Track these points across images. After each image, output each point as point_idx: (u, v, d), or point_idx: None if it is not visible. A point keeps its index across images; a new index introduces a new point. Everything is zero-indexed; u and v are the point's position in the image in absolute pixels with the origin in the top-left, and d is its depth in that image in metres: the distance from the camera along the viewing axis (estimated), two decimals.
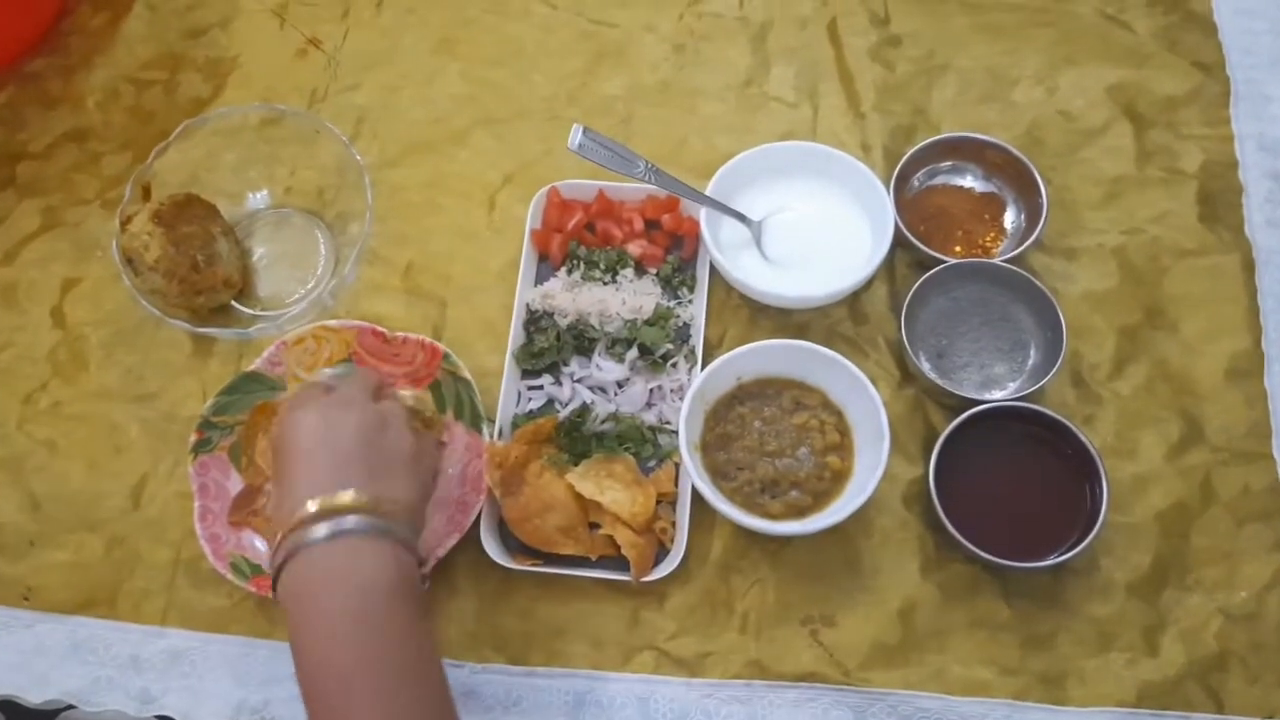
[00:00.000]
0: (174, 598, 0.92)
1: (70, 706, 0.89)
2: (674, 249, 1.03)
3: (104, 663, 0.90)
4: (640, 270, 1.01)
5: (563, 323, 0.98)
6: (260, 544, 0.91)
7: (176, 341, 1.02)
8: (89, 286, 1.05)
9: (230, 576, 0.88)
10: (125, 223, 0.99)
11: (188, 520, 0.91)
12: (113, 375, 1.01)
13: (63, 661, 0.90)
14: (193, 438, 0.93)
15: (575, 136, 0.90)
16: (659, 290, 1.00)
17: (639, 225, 1.02)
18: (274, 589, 0.71)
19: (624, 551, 0.87)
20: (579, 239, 1.02)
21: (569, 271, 1.01)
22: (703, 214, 0.97)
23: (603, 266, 1.00)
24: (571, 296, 0.99)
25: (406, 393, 0.87)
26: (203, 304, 1.01)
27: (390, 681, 0.67)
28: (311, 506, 0.70)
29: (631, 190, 1.03)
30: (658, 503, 0.91)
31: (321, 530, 0.69)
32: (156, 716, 0.88)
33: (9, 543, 0.95)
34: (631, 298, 0.98)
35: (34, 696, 0.89)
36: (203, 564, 0.91)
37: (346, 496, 0.70)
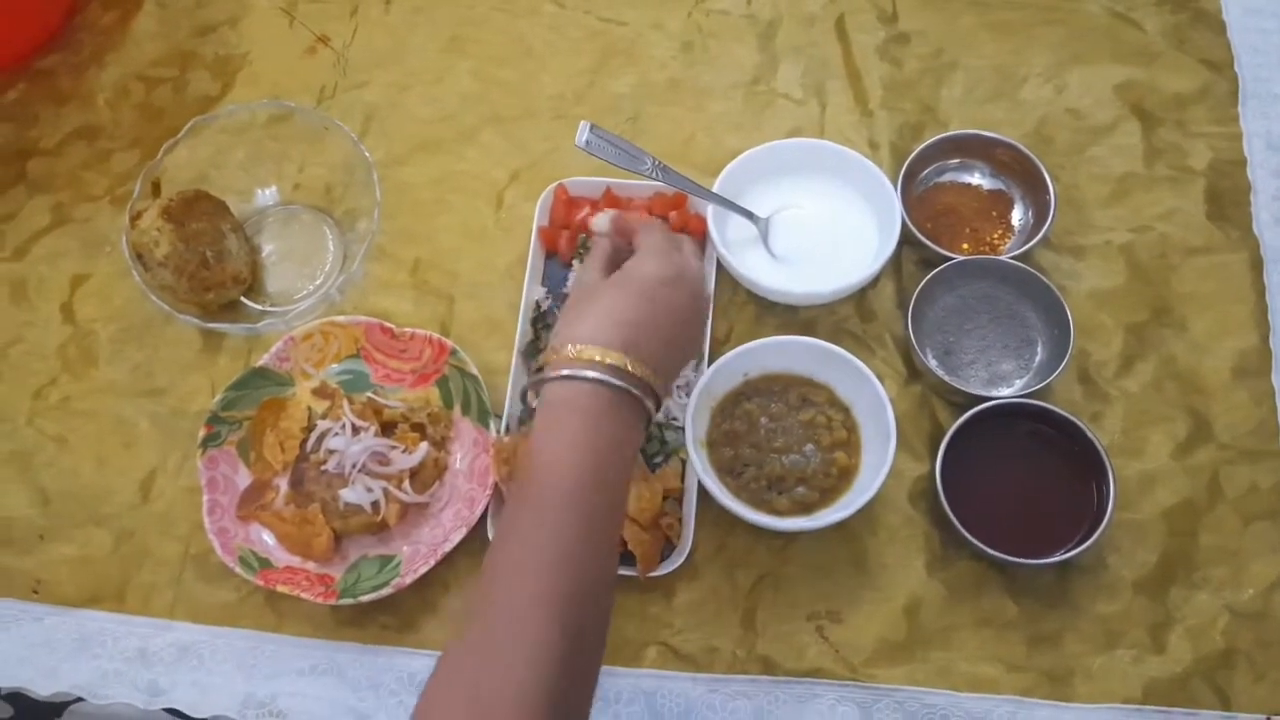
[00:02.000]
0: (182, 591, 0.92)
1: (79, 699, 0.90)
2: None
3: (112, 656, 0.91)
4: None
5: None
6: (269, 538, 0.92)
7: (185, 337, 1.02)
8: (98, 282, 1.06)
9: (239, 570, 0.89)
10: (135, 219, 1.00)
11: (196, 514, 0.91)
12: (122, 370, 1.02)
13: (71, 654, 0.91)
14: (201, 432, 0.94)
15: (583, 133, 0.90)
16: None
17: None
18: (535, 387, 0.74)
19: (630, 547, 0.87)
20: (586, 233, 1.02)
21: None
22: (709, 211, 0.97)
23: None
24: None
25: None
26: (212, 300, 1.01)
27: (580, 493, 0.69)
28: (598, 353, 0.72)
29: (639, 187, 1.03)
30: (664, 499, 0.91)
31: (609, 378, 0.71)
32: (164, 709, 0.89)
33: (19, 536, 0.95)
34: None
35: (43, 689, 0.90)
36: (211, 558, 0.91)
37: (632, 365, 0.72)
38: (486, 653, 0.64)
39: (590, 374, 0.71)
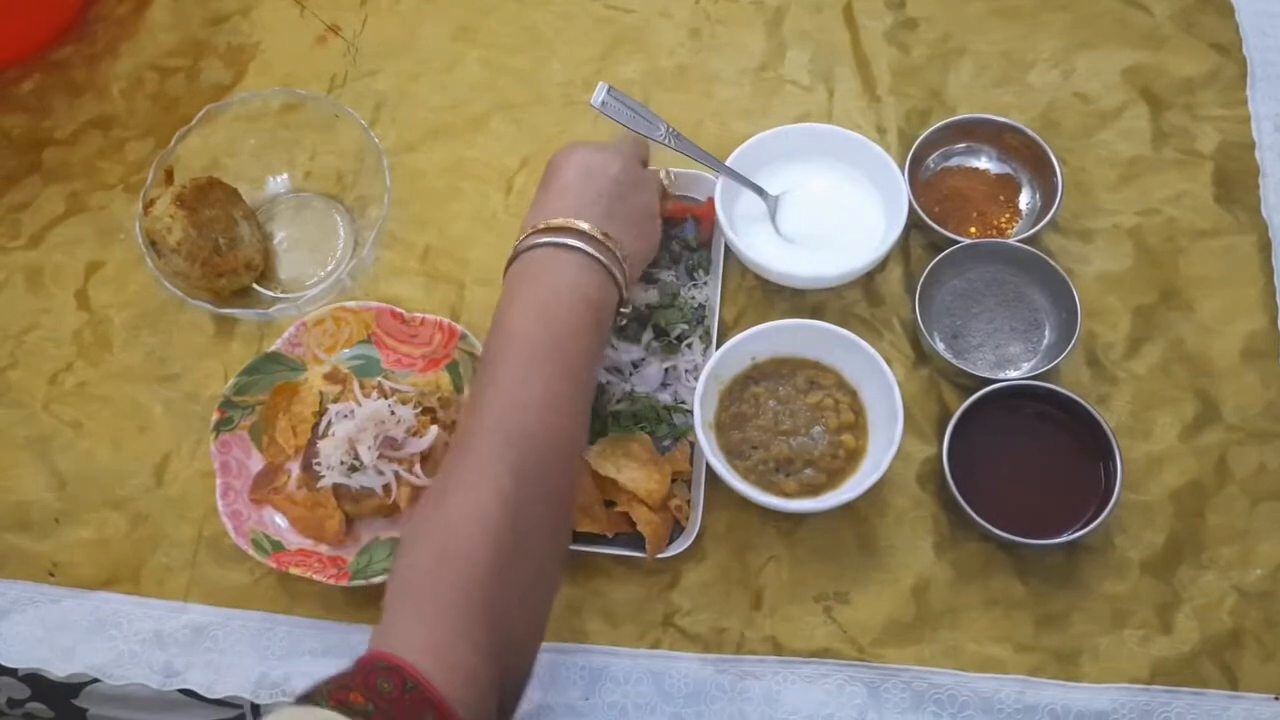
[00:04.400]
0: (196, 574, 0.93)
1: (95, 680, 0.91)
2: (679, 232, 1.03)
3: (127, 637, 0.92)
4: None
5: None
6: (281, 521, 0.93)
7: (198, 323, 1.04)
8: (113, 270, 1.07)
9: (252, 553, 0.89)
10: (148, 207, 1.00)
11: (210, 498, 0.92)
12: (136, 356, 1.03)
13: (87, 636, 0.92)
14: (215, 417, 0.94)
15: (599, 94, 0.91)
16: (660, 281, 1.00)
17: None
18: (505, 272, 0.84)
19: (640, 529, 0.88)
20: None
21: None
22: (718, 188, 0.98)
23: None
24: None
25: (662, 172, 0.98)
26: (224, 286, 1.02)
27: (543, 349, 0.78)
28: (544, 222, 0.83)
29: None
30: (673, 481, 0.91)
31: (547, 240, 0.82)
32: (179, 690, 0.90)
33: (35, 520, 0.96)
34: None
35: (59, 670, 0.91)
36: (225, 541, 0.92)
37: (583, 224, 0.83)
38: (447, 471, 0.74)
39: (543, 239, 0.82)
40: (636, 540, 0.89)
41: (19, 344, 1.04)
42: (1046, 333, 0.95)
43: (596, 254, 0.82)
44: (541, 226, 0.83)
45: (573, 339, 0.79)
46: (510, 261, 0.84)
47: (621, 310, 0.86)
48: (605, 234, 0.83)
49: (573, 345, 0.79)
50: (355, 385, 0.95)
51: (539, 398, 0.75)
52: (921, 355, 0.97)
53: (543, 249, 0.82)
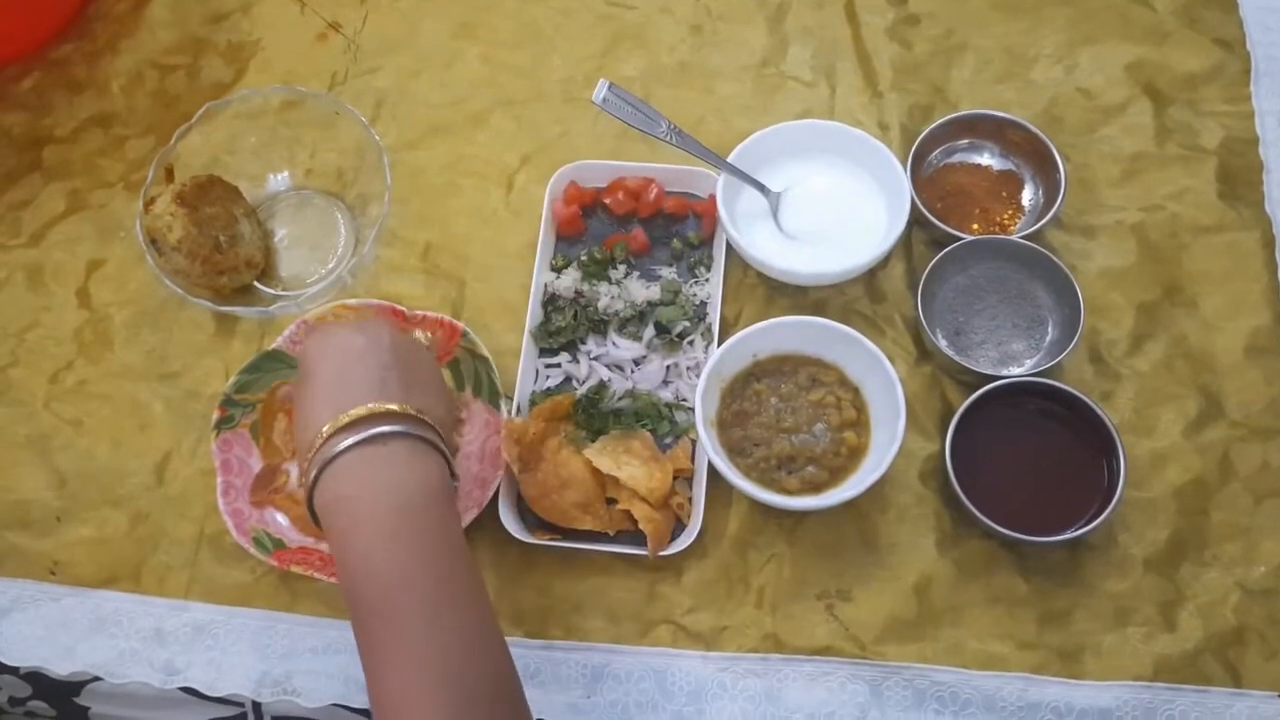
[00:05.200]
0: (197, 572, 0.93)
1: (96, 678, 0.91)
2: (680, 229, 1.03)
3: (129, 636, 0.92)
4: (632, 264, 1.02)
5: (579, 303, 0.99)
6: (282, 519, 0.92)
7: (199, 321, 1.03)
8: (113, 267, 1.07)
9: (253, 551, 0.89)
10: (149, 204, 1.00)
11: (210, 496, 0.92)
12: (137, 354, 1.03)
13: (88, 635, 0.92)
14: (215, 415, 0.94)
15: (600, 90, 0.90)
16: (661, 278, 1.00)
17: (655, 194, 1.03)
18: (309, 506, 0.71)
19: (641, 526, 0.88)
20: (603, 203, 1.04)
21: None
22: (720, 184, 0.97)
23: (591, 267, 1.01)
24: (579, 291, 1.00)
25: (420, 334, 0.90)
26: (225, 284, 1.02)
27: (434, 585, 0.67)
28: (347, 416, 0.70)
29: (646, 170, 1.04)
30: (674, 479, 0.91)
31: (360, 435, 0.69)
32: (180, 688, 0.90)
33: (36, 518, 0.96)
34: (627, 294, 0.99)
35: (60, 669, 0.91)
36: (225, 539, 0.92)
37: (387, 405, 0.71)
38: None
39: (348, 439, 0.69)
40: (638, 538, 0.89)
41: (20, 342, 1.04)
42: (1049, 329, 0.95)
43: (420, 434, 0.71)
44: (344, 423, 0.69)
45: (448, 553, 0.69)
46: (312, 480, 0.70)
47: (455, 483, 0.75)
48: (417, 410, 0.72)
49: (450, 561, 0.69)
50: None
51: (455, 642, 0.66)
52: (924, 352, 0.96)
53: (354, 452, 0.69)
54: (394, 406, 0.71)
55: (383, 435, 0.70)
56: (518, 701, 0.69)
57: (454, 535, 0.71)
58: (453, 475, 0.74)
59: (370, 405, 0.70)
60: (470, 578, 0.70)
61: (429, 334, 0.91)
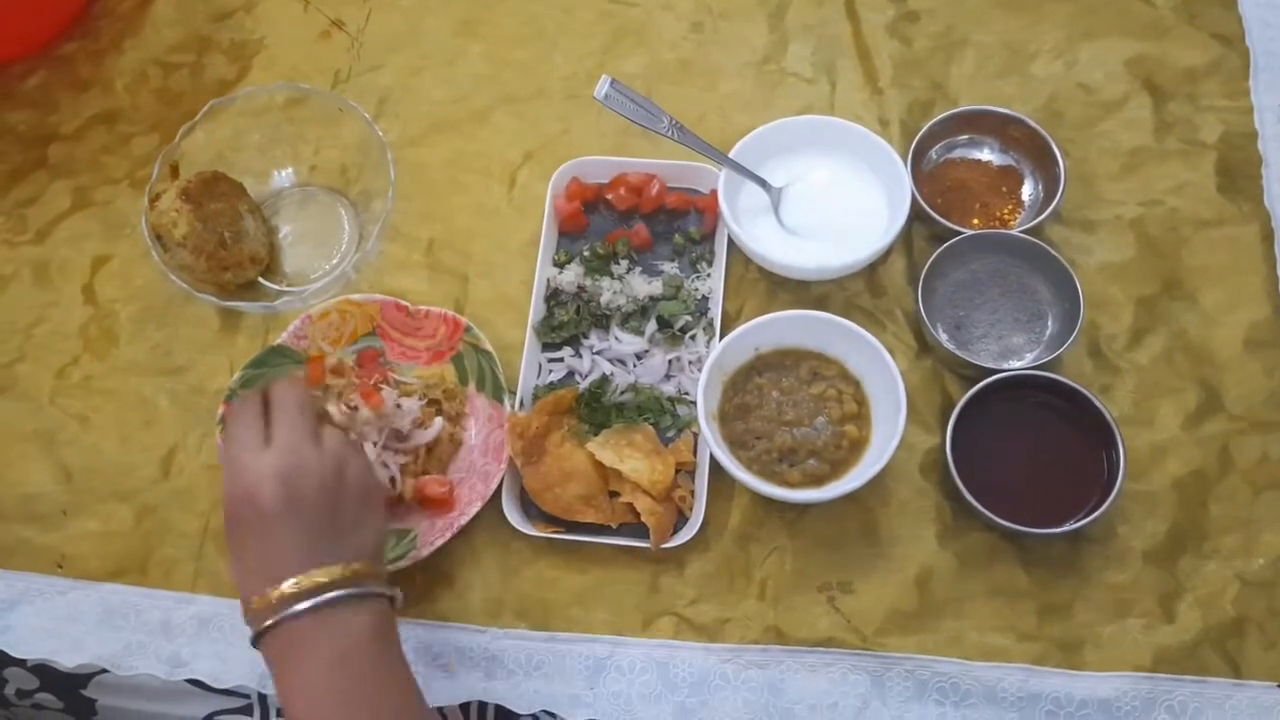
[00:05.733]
0: (203, 565, 0.94)
1: (103, 671, 0.91)
2: (682, 225, 1.04)
3: (135, 628, 0.92)
4: (634, 259, 1.02)
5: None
6: None
7: (204, 317, 1.04)
8: (119, 264, 1.08)
9: None
10: (154, 201, 1.01)
11: (216, 490, 0.93)
12: (142, 350, 1.03)
13: (95, 627, 0.92)
14: (220, 410, 0.95)
15: (602, 87, 0.91)
16: (663, 273, 1.01)
17: (657, 190, 1.03)
18: (254, 644, 0.73)
19: (643, 519, 0.88)
20: (605, 199, 1.04)
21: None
22: (721, 180, 0.98)
23: (594, 262, 1.01)
24: (582, 286, 1.00)
25: (317, 392, 0.86)
26: (230, 280, 1.02)
27: None
28: (289, 587, 0.70)
29: (647, 166, 1.04)
30: (677, 472, 0.92)
31: (302, 605, 0.70)
32: (186, 680, 0.90)
33: (43, 512, 0.97)
34: (629, 289, 0.99)
35: (68, 661, 0.91)
36: None
37: (323, 575, 0.71)
38: None
39: (295, 607, 0.70)
40: (640, 530, 0.89)
41: (26, 338, 1.05)
42: (1049, 323, 0.95)
43: (357, 591, 0.72)
44: (289, 591, 0.70)
45: (389, 682, 0.72)
46: (259, 632, 0.72)
47: (394, 600, 0.76)
48: (351, 564, 0.72)
49: (392, 687, 0.72)
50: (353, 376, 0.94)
51: None
52: (924, 346, 0.97)
53: (292, 621, 0.70)
54: (325, 578, 0.71)
55: (326, 604, 0.71)
56: None
57: (395, 670, 0.74)
58: (392, 600, 0.75)
59: (300, 580, 0.71)
60: (410, 707, 0.73)
61: (324, 388, 0.88)
